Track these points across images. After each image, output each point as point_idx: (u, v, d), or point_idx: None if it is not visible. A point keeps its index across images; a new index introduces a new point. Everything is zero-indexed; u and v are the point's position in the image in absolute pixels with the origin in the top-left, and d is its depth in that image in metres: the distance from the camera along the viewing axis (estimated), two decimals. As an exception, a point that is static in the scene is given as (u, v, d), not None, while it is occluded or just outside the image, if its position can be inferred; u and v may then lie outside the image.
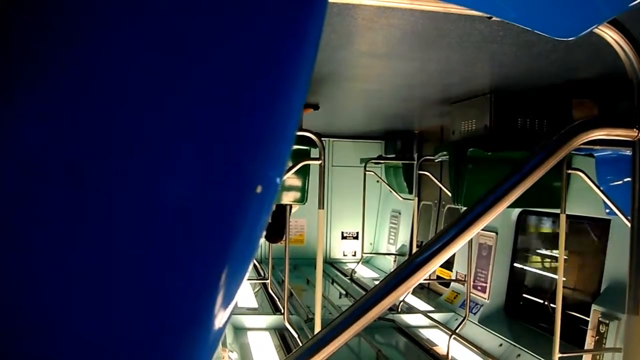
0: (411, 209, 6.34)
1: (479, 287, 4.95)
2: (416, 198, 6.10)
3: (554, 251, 4.31)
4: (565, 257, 3.61)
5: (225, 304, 0.39)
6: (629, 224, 1.28)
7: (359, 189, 6.75)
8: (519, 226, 4.82)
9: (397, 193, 6.81)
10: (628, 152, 1.29)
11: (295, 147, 3.41)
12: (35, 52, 0.37)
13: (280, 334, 4.69)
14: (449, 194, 4.26)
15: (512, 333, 4.43)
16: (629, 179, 1.27)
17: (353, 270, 7.00)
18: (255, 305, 5.34)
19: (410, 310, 5.43)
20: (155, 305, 0.38)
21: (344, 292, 6.33)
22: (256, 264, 6.78)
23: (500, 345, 4.30)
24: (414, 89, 3.75)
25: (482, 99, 3.79)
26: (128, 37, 0.38)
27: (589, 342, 3.41)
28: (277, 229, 4.88)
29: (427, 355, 4.44)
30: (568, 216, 3.39)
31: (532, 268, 4.79)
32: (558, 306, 3.12)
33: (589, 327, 3.45)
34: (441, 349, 4.42)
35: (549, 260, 4.61)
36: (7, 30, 0.37)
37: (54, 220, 0.36)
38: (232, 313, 0.40)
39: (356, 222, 7.56)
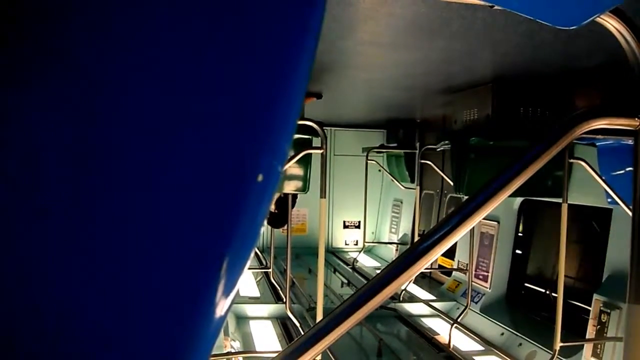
0: (413, 198, 6.33)
1: (480, 276, 4.96)
2: (418, 187, 6.09)
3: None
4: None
5: (227, 292, 0.39)
6: (630, 213, 1.28)
7: (360, 178, 6.74)
8: (520, 215, 4.82)
9: (399, 182, 6.81)
10: (630, 142, 1.29)
11: (297, 136, 3.39)
12: (39, 42, 0.37)
13: (282, 322, 4.71)
14: (451, 183, 4.26)
15: (514, 322, 4.44)
16: (630, 168, 1.27)
17: (355, 259, 7.01)
18: (257, 294, 5.35)
19: (412, 299, 5.44)
20: (156, 294, 0.38)
21: (345, 281, 6.34)
22: (258, 253, 6.80)
23: (502, 334, 4.31)
24: (416, 78, 3.74)
25: (484, 88, 3.78)
26: (131, 28, 0.38)
27: (590, 332, 3.42)
28: (281, 216, 4.88)
29: (428, 344, 4.45)
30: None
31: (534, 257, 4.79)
32: (559, 295, 3.13)
33: (590, 316, 3.46)
34: (443, 338, 4.43)
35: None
36: (10, 22, 0.37)
37: (56, 211, 0.36)
38: (233, 302, 0.41)
39: (358, 211, 7.54)
